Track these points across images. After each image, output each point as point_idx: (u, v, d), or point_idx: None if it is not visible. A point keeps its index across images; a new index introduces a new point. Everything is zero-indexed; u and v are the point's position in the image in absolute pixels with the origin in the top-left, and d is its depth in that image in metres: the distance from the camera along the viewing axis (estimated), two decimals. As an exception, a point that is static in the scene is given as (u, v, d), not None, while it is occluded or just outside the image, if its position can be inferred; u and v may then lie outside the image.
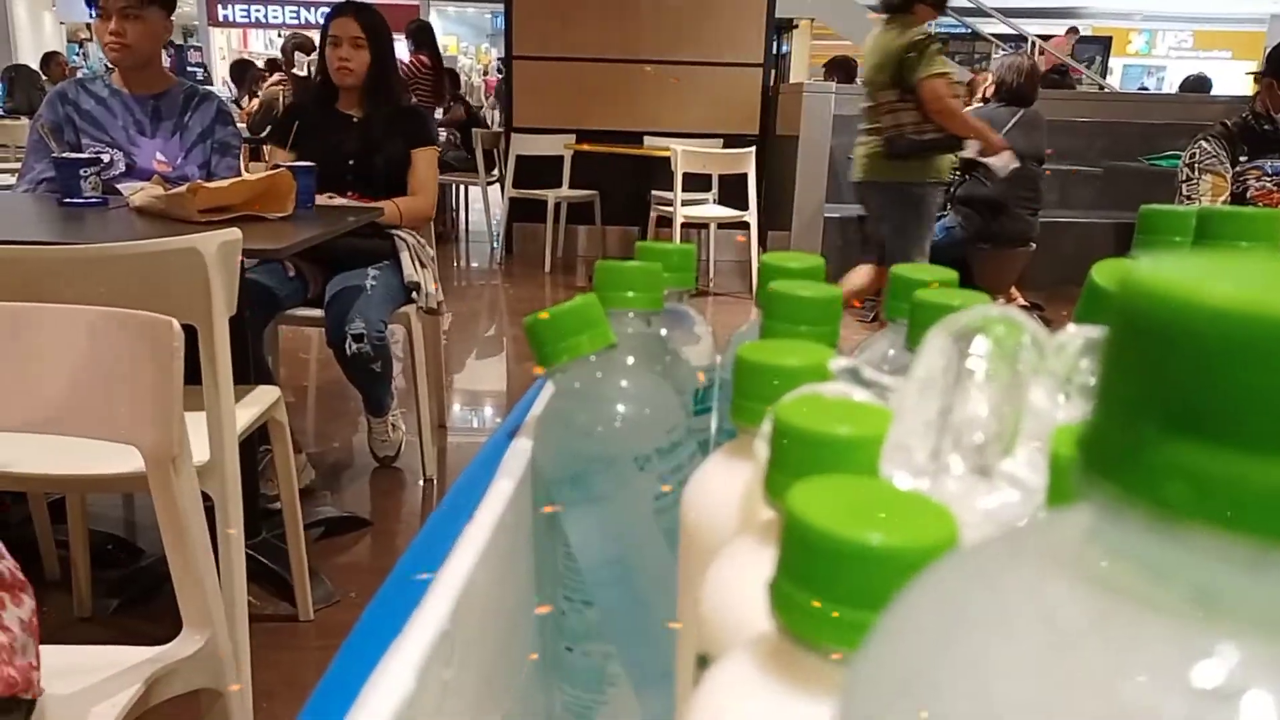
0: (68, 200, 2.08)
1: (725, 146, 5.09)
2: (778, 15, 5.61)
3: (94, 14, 2.26)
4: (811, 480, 0.23)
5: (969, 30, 10.86)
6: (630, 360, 0.45)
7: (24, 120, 5.17)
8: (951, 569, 0.16)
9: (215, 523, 1.33)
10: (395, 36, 2.63)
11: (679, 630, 0.35)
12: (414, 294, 2.42)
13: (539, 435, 0.46)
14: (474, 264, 5.84)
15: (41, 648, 0.81)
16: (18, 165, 2.71)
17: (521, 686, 0.45)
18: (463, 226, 6.64)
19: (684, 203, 4.64)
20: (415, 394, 2.49)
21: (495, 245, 5.93)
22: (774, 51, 5.96)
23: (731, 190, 4.90)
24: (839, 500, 0.22)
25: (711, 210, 4.95)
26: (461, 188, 6.43)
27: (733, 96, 5.49)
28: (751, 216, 4.73)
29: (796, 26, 9.19)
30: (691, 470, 0.38)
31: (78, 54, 12.85)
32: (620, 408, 0.43)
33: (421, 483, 2.54)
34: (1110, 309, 0.13)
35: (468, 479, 0.46)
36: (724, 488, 0.34)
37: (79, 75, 3.56)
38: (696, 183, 4.89)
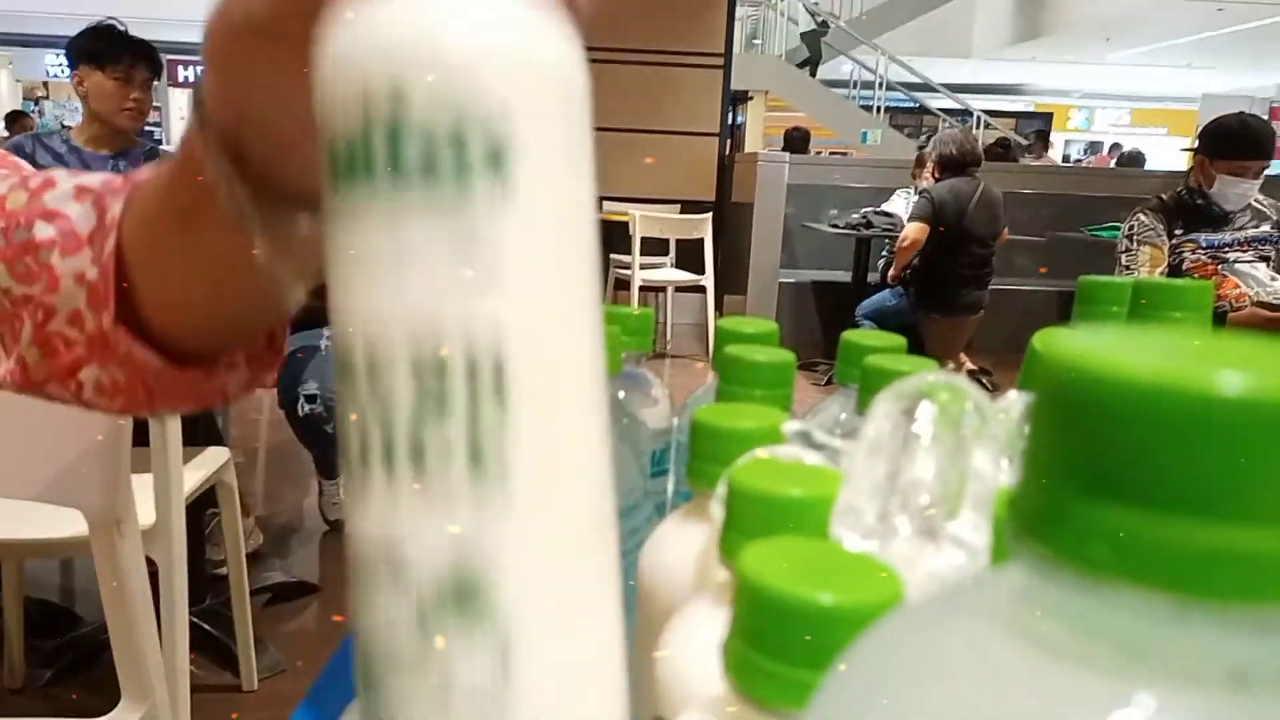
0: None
1: (682, 212, 5.18)
2: (733, 87, 5.75)
3: (71, 72, 2.26)
4: (763, 542, 0.23)
5: (917, 105, 11.23)
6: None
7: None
8: (893, 626, 0.17)
9: (158, 588, 1.30)
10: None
11: (634, 693, 0.35)
12: (369, 355, 2.40)
13: (495, 498, 0.46)
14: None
15: None
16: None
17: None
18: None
19: (642, 266, 4.69)
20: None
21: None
22: (729, 122, 6.09)
23: (688, 255, 4.97)
24: (790, 561, 0.22)
25: (669, 274, 5.00)
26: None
27: (690, 164, 5.59)
28: (708, 281, 4.80)
29: (751, 99, 9.43)
30: (648, 533, 0.38)
31: (33, 111, 12.75)
32: (577, 470, 0.43)
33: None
34: (1036, 378, 0.13)
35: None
36: (680, 550, 0.34)
37: (34, 130, 3.53)
38: (654, 247, 4.95)
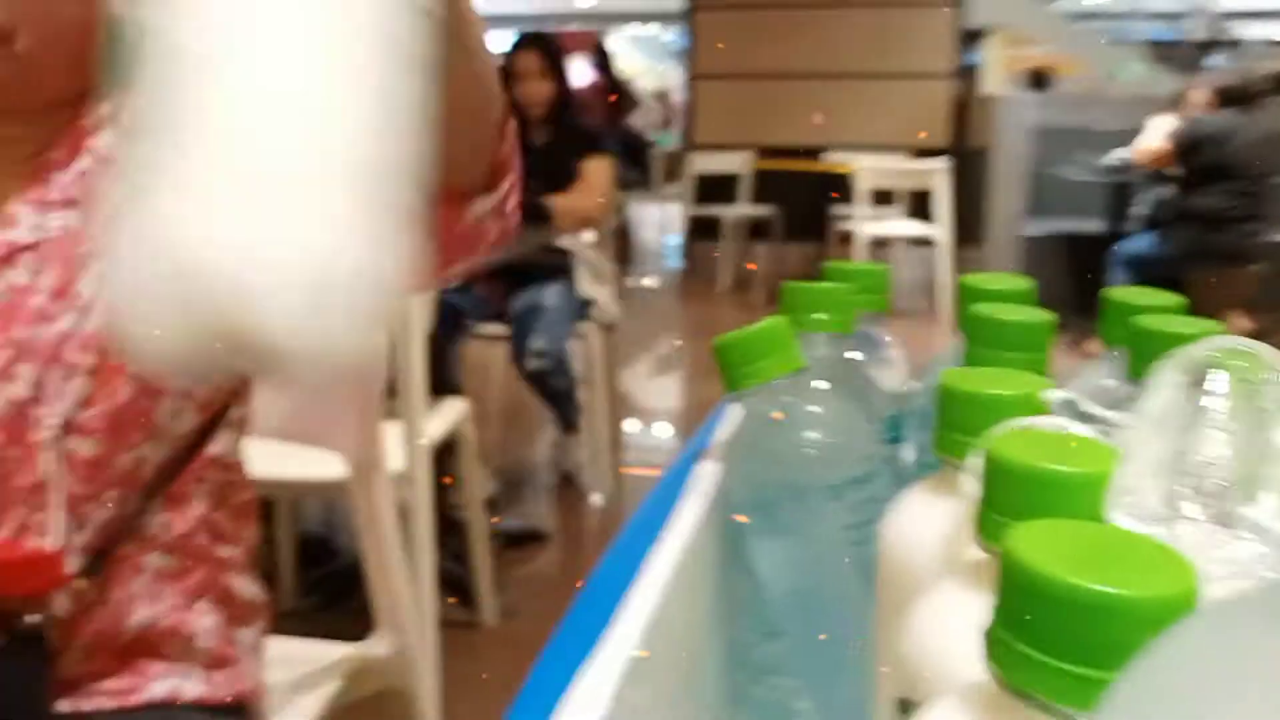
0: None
1: (915, 159, 4.93)
2: (970, 25, 5.42)
3: None
4: (1034, 523, 0.21)
5: (1180, 37, 10.14)
6: (821, 385, 0.44)
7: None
8: (1203, 627, 0.15)
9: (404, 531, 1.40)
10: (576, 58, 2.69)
11: (876, 671, 0.34)
12: (590, 309, 2.47)
13: (726, 460, 0.45)
14: (648, 282, 5.91)
15: None
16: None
17: (707, 716, 0.45)
18: (638, 244, 6.77)
19: (869, 218, 4.52)
20: (592, 411, 2.54)
21: (672, 263, 5.99)
22: (965, 61, 5.75)
23: (921, 205, 4.73)
24: (1065, 545, 0.20)
25: (898, 227, 4.77)
26: (638, 205, 6.56)
27: (920, 108, 5.33)
28: (942, 234, 4.54)
29: (989, 35, 8.85)
30: (886, 501, 0.36)
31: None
32: (811, 434, 0.42)
33: (597, 499, 2.59)
34: None
35: (654, 501, 0.46)
36: (926, 523, 0.32)
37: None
38: (880, 197, 4.76)
